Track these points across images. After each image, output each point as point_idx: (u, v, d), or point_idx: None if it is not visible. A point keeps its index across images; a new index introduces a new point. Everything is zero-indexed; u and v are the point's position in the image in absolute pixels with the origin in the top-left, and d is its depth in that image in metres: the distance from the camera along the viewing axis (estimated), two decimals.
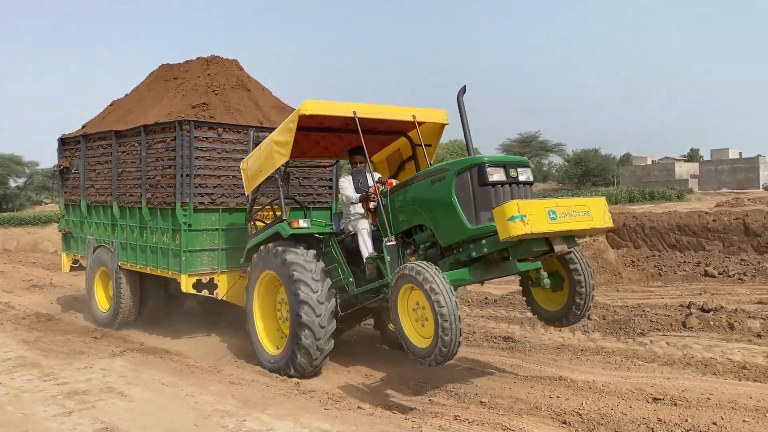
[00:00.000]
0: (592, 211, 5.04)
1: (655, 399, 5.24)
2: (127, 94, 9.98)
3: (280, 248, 6.37)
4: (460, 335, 4.71)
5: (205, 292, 7.72)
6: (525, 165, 5.48)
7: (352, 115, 6.11)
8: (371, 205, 6.23)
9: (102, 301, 9.18)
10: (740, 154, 73.88)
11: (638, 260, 13.30)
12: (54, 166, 10.40)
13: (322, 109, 6.15)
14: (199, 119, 7.63)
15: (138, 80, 10.08)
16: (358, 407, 5.21)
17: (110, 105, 10.15)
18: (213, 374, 6.39)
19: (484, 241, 5.15)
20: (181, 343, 7.85)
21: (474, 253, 5.25)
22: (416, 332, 5.02)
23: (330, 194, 8.84)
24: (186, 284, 7.54)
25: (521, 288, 6.36)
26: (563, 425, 4.74)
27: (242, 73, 9.12)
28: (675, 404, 5.10)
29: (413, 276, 4.84)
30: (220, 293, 7.76)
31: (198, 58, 9.25)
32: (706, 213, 14.10)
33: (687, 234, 13.73)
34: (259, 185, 7.00)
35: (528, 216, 4.64)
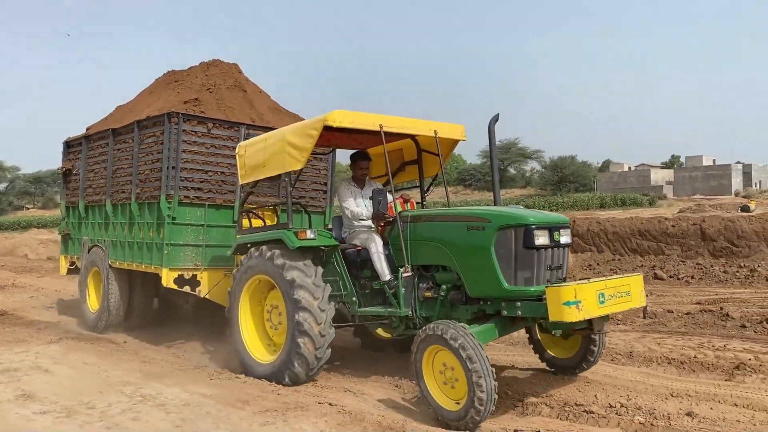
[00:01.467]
0: (632, 291, 5.08)
1: None
2: (131, 99, 10.15)
3: (277, 252, 6.09)
4: (493, 404, 4.62)
5: (186, 288, 7.63)
6: (567, 226, 5.37)
7: (378, 128, 5.96)
8: (383, 222, 6.08)
9: (93, 303, 9.17)
10: (714, 161, 75.26)
11: (597, 264, 13.87)
12: (58, 169, 10.56)
13: (351, 121, 5.89)
14: (188, 113, 7.65)
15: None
16: (236, 377, 6.19)
17: (114, 109, 10.31)
18: (130, 355, 7.27)
19: (519, 304, 5.04)
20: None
21: (505, 312, 5.14)
22: (443, 394, 4.90)
23: (324, 198, 8.80)
24: (167, 278, 7.47)
25: (526, 331, 6.06)
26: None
27: (240, 76, 9.21)
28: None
29: (447, 340, 4.70)
30: (203, 291, 7.67)
31: (201, 63, 9.41)
32: (666, 219, 14.56)
33: (647, 239, 14.25)
34: (258, 181, 6.83)
35: (583, 302, 4.59)
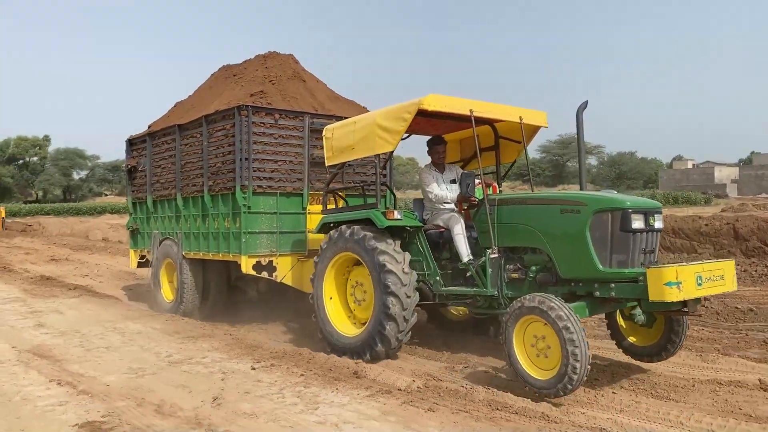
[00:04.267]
0: (725, 276, 5.19)
1: None
2: (189, 95, 10.40)
3: (369, 234, 6.28)
4: (587, 374, 4.80)
5: (264, 274, 7.94)
6: (660, 211, 5.49)
7: (468, 113, 6.13)
8: (465, 205, 6.26)
9: (167, 292, 9.50)
10: None
11: None
12: (123, 166, 10.90)
13: (444, 104, 6.09)
14: (256, 105, 7.91)
15: (201, 80, 10.55)
16: (182, 319, 8.61)
17: (174, 106, 10.58)
18: (122, 307, 9.82)
19: (613, 285, 5.19)
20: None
21: (598, 293, 5.29)
22: (533, 364, 5.05)
23: (384, 181, 8.72)
24: (246, 265, 7.79)
25: (606, 320, 6.25)
26: None
27: (298, 66, 9.45)
28: None
29: (544, 311, 4.85)
30: (279, 275, 7.98)
31: (257, 56, 9.59)
32: (700, 218, 14.41)
33: (681, 237, 13.97)
34: (345, 162, 7.07)
35: (683, 283, 4.74)
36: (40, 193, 74.48)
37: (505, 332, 5.19)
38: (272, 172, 8.01)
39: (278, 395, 5.24)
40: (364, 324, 6.46)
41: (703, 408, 4.93)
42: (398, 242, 6.35)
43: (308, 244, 8.15)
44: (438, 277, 6.34)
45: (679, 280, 4.74)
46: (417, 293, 6.23)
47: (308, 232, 8.18)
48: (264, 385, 5.55)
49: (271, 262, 7.96)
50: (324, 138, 7.20)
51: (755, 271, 11.37)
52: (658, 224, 5.38)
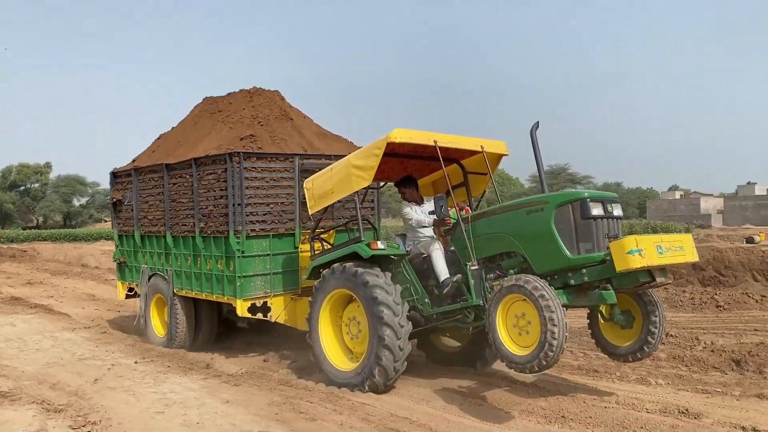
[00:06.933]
0: (685, 247, 5.55)
1: None
2: (173, 128, 10.45)
3: (359, 269, 6.56)
4: (566, 341, 5.06)
5: (259, 315, 8.05)
6: (617, 201, 5.90)
7: (433, 144, 6.55)
8: (443, 229, 6.67)
9: (158, 327, 9.60)
10: None
11: None
12: (108, 199, 11.14)
13: (410, 137, 6.52)
14: (247, 150, 7.97)
15: (180, 111, 10.93)
16: (107, 332, 10.79)
17: (158, 138, 10.62)
18: (67, 321, 11.55)
19: (584, 270, 5.60)
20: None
21: (572, 281, 5.68)
22: (514, 342, 5.36)
23: (372, 215, 9.16)
24: (242, 309, 7.89)
25: (588, 325, 6.58)
26: None
27: (284, 104, 9.55)
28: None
29: (521, 286, 5.19)
30: (274, 315, 8.09)
31: (241, 91, 9.68)
32: None
33: None
34: (327, 207, 7.38)
35: (644, 250, 5.08)
36: (41, 219, 76.67)
37: (488, 318, 5.51)
38: (264, 215, 8.13)
39: (141, 378, 7.41)
40: (361, 358, 6.68)
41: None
42: (389, 275, 6.62)
43: (301, 282, 8.28)
44: (426, 300, 6.63)
45: (640, 248, 5.10)
46: (410, 323, 6.45)
47: (301, 269, 8.29)
48: (137, 373, 7.72)
49: (265, 303, 8.09)
50: (305, 189, 7.55)
51: (699, 298, 11.75)
52: (617, 212, 5.79)
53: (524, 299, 5.25)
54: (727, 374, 7.27)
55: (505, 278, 5.58)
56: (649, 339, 6.08)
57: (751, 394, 6.45)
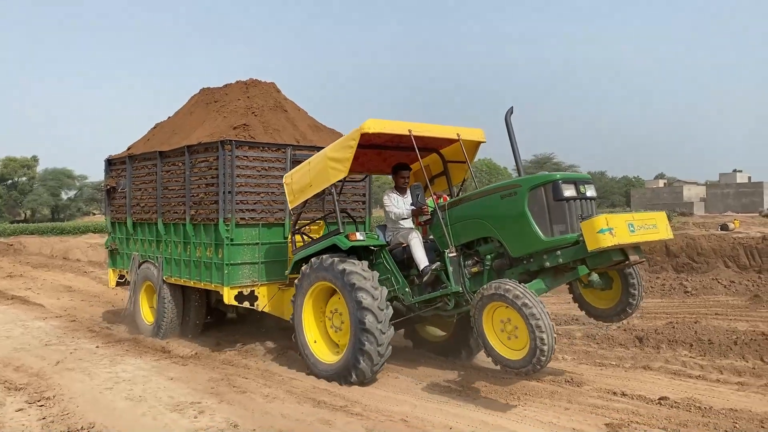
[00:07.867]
0: (658, 225, 5.60)
1: None
2: (169, 117, 10.48)
3: (336, 259, 6.62)
4: (555, 343, 5.09)
5: (246, 304, 8.08)
6: (590, 182, 5.91)
7: (407, 133, 6.56)
8: (422, 219, 6.65)
9: (147, 315, 9.63)
10: (749, 178, 74.70)
11: None
12: (102, 186, 10.98)
13: (383, 127, 6.53)
14: (240, 139, 8.03)
15: (178, 101, 10.89)
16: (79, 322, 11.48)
17: (154, 127, 10.68)
18: (39, 311, 11.85)
19: (559, 252, 5.62)
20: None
21: (548, 263, 5.70)
22: (505, 347, 5.37)
23: (363, 208, 9.22)
24: (228, 296, 7.93)
25: (569, 290, 6.79)
26: None
27: (279, 95, 9.59)
28: None
29: (502, 295, 5.18)
30: (261, 305, 8.13)
31: (237, 82, 9.71)
32: None
33: None
34: (307, 200, 7.37)
35: (615, 229, 5.10)
36: (29, 213, 76.69)
37: (475, 325, 5.56)
38: (255, 204, 8.19)
39: (99, 361, 7.96)
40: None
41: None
42: (365, 263, 6.69)
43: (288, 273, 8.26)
44: (407, 289, 6.67)
45: (611, 227, 5.12)
46: (390, 307, 6.49)
47: (289, 260, 8.26)
48: (97, 356, 8.28)
49: (252, 291, 8.13)
50: (285, 185, 7.60)
51: (669, 285, 12.34)
52: (590, 192, 5.81)
53: (507, 306, 5.28)
54: (629, 350, 7.96)
55: (484, 287, 5.55)
56: (630, 300, 6.28)
57: (639, 366, 7.16)
